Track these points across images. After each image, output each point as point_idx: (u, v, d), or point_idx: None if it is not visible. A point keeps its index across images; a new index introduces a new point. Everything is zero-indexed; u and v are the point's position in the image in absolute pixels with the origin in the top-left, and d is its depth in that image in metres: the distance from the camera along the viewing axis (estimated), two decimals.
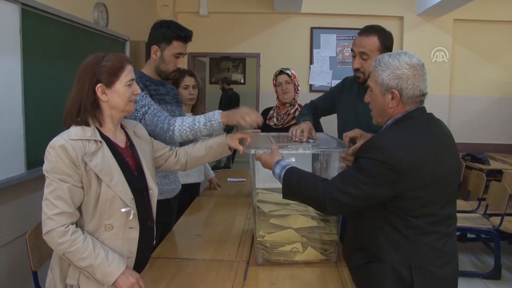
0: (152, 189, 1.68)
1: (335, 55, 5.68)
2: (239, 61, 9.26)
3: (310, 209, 1.76)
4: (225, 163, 7.39)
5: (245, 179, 3.48)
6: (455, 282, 1.51)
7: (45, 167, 1.46)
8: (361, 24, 2.13)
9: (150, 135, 1.84)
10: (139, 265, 1.66)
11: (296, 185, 1.52)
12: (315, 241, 1.83)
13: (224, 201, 2.84)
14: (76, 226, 1.48)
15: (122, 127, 1.69)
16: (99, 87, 1.51)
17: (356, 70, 2.01)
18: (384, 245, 1.45)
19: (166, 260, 1.84)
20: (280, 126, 3.05)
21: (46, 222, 1.43)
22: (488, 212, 4.04)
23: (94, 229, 1.52)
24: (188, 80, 2.94)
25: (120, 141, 1.64)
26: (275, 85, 3.11)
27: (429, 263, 1.43)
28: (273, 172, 1.63)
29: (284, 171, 1.58)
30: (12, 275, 2.50)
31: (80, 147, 1.46)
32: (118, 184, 1.52)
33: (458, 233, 3.90)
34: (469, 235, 4.44)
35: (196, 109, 3.07)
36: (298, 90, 3.09)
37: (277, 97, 3.12)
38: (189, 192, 2.89)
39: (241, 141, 1.88)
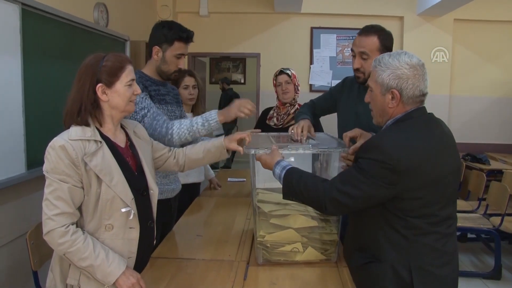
0: (152, 189, 1.68)
1: (335, 55, 5.67)
2: (239, 61, 9.26)
3: (310, 209, 1.76)
4: (225, 163, 7.40)
5: (245, 179, 3.49)
6: (455, 282, 1.51)
7: (45, 167, 1.46)
8: (361, 24, 2.13)
9: None
10: (140, 265, 1.66)
11: (296, 186, 1.52)
12: (315, 241, 1.83)
13: (224, 201, 2.84)
14: (77, 226, 1.48)
15: (122, 127, 1.69)
16: (99, 87, 1.51)
17: (356, 70, 2.01)
18: (384, 245, 1.45)
19: (166, 260, 1.84)
20: (280, 126, 3.05)
21: (47, 222, 1.43)
22: (488, 212, 4.05)
23: (94, 229, 1.52)
24: (188, 80, 2.95)
25: (120, 141, 1.64)
26: (275, 85, 3.11)
27: (429, 263, 1.43)
28: (273, 173, 1.63)
29: (284, 171, 1.58)
30: (12, 275, 2.50)
31: (80, 147, 1.46)
32: (118, 184, 1.52)
33: (458, 233, 3.90)
34: (469, 235, 4.44)
35: (196, 109, 3.07)
36: (298, 90, 3.09)
37: (277, 97, 3.13)
38: (189, 192, 2.89)
39: (240, 142, 1.88)
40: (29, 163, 2.51)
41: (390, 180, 1.37)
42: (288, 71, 3.06)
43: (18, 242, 2.47)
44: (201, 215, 2.59)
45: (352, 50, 2.02)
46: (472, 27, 5.60)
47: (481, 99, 5.72)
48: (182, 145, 2.00)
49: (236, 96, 8.01)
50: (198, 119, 1.97)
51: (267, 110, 3.25)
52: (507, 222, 3.66)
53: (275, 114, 3.14)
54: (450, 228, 1.47)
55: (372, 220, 1.49)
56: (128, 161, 1.62)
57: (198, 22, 5.59)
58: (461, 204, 4.31)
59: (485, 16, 5.47)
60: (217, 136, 2.60)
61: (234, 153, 4.23)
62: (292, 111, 3.05)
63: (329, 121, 2.62)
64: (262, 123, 3.17)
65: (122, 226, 1.55)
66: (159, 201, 1.77)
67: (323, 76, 5.68)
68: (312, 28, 5.68)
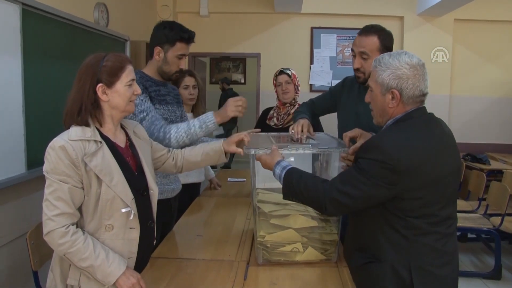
0: (152, 189, 1.68)
1: (335, 55, 5.68)
2: (239, 61, 9.26)
3: (310, 209, 1.76)
4: (226, 163, 7.39)
5: (245, 179, 3.48)
6: (455, 282, 1.51)
7: (45, 167, 1.46)
8: (362, 24, 2.13)
9: None
10: (140, 265, 1.66)
11: (296, 186, 1.52)
12: (315, 241, 1.82)
13: (224, 201, 2.84)
14: (77, 227, 1.48)
15: (122, 127, 1.69)
16: (99, 87, 1.51)
17: (356, 70, 2.01)
18: (383, 245, 1.45)
19: (167, 260, 1.84)
20: (280, 126, 3.05)
21: (47, 223, 1.43)
22: (488, 212, 4.04)
23: (94, 230, 1.52)
24: (188, 80, 2.95)
25: (120, 141, 1.64)
26: (275, 85, 3.11)
27: (429, 263, 1.42)
28: (274, 173, 1.63)
29: (284, 171, 1.58)
30: (12, 275, 2.50)
31: (80, 148, 1.46)
32: (118, 185, 1.52)
33: (458, 233, 3.90)
34: (469, 235, 4.44)
35: (196, 109, 3.07)
36: (298, 90, 3.09)
37: (277, 97, 3.13)
38: (189, 192, 2.89)
39: (240, 143, 1.88)
40: (29, 163, 2.51)
41: (390, 180, 1.37)
42: (288, 71, 3.06)
43: (18, 242, 2.47)
44: (201, 215, 2.59)
45: (352, 50, 2.02)
46: (472, 27, 5.61)
47: (481, 99, 5.72)
48: (181, 147, 2.01)
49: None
50: (196, 122, 1.99)
51: (267, 110, 3.25)
52: (507, 222, 3.66)
53: (275, 114, 3.14)
54: (450, 228, 1.47)
55: (372, 220, 1.49)
56: (128, 161, 1.62)
57: (198, 22, 5.59)
58: (461, 204, 4.31)
59: (485, 16, 5.47)
60: (217, 136, 2.61)
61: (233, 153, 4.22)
62: (292, 111, 3.04)
63: (329, 121, 2.62)
64: (262, 123, 3.17)
65: (122, 226, 1.55)
66: (159, 201, 1.77)
67: (323, 76, 5.69)
68: (312, 28, 5.68)
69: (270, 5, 5.48)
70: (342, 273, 1.73)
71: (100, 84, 1.51)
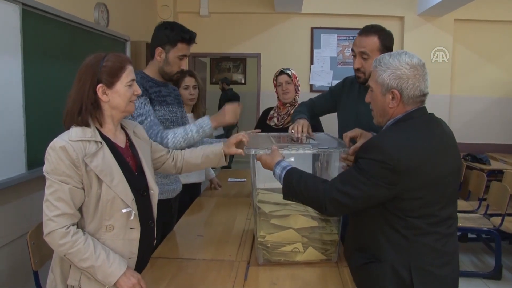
0: (152, 189, 1.68)
1: (335, 55, 5.68)
2: (239, 61, 9.26)
3: (311, 209, 1.76)
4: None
5: (245, 179, 3.48)
6: (456, 282, 1.51)
7: (46, 168, 1.46)
8: (362, 24, 2.13)
9: None
10: (140, 265, 1.66)
11: (296, 186, 1.52)
12: (315, 241, 1.83)
13: (224, 201, 2.84)
14: (77, 227, 1.48)
15: (122, 127, 1.68)
16: (99, 88, 1.51)
17: (357, 70, 2.01)
18: (383, 246, 1.45)
19: (167, 260, 1.84)
20: (281, 126, 3.05)
21: (47, 223, 1.43)
22: (488, 212, 4.04)
23: (95, 230, 1.52)
24: (189, 81, 2.95)
25: (120, 141, 1.64)
26: (275, 85, 3.11)
27: (429, 263, 1.42)
28: (274, 173, 1.63)
29: (284, 171, 1.58)
30: (13, 275, 2.50)
31: (80, 148, 1.46)
32: (118, 185, 1.52)
33: (458, 233, 3.89)
34: (469, 235, 4.44)
35: (196, 109, 3.07)
36: (298, 90, 3.09)
37: (278, 97, 3.13)
38: (190, 192, 2.89)
39: (239, 144, 1.88)
40: (29, 163, 2.51)
41: (390, 180, 1.37)
42: (288, 71, 3.06)
43: (19, 242, 2.47)
44: (202, 215, 2.59)
45: (352, 50, 2.02)
46: (472, 27, 5.60)
47: (482, 99, 5.72)
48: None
49: (236, 96, 8.01)
50: (193, 127, 2.03)
51: (268, 110, 3.25)
52: (508, 222, 3.66)
53: (275, 114, 3.14)
54: (451, 228, 1.47)
55: (372, 220, 1.49)
56: (128, 162, 1.62)
57: (198, 22, 5.59)
58: (461, 204, 4.31)
59: (486, 16, 5.47)
60: (217, 136, 2.61)
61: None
62: (293, 111, 3.04)
63: (329, 121, 2.62)
64: (263, 123, 3.17)
65: (122, 226, 1.55)
66: (159, 201, 1.77)
67: (323, 76, 5.69)
68: (312, 28, 5.68)
69: (270, 5, 5.48)
70: (342, 273, 1.73)
71: (100, 85, 1.51)
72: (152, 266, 1.77)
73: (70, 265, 1.50)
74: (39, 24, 2.63)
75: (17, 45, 2.42)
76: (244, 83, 9.28)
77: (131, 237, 1.58)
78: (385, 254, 1.45)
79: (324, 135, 2.24)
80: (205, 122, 2.04)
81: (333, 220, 1.85)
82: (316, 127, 2.66)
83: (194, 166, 1.96)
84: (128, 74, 1.56)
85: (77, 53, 3.01)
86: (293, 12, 5.59)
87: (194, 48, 2.22)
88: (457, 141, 1.52)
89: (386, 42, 1.97)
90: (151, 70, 2.18)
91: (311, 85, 5.68)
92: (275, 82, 3.11)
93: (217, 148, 1.90)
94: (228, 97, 7.96)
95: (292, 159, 1.79)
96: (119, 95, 1.54)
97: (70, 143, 1.45)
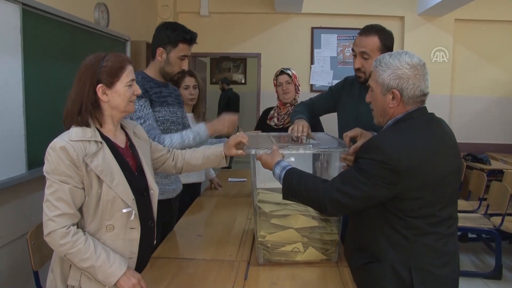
0: (152, 189, 1.68)
1: (336, 55, 5.68)
2: (240, 61, 9.25)
3: (311, 209, 1.76)
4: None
5: (245, 179, 3.48)
6: (456, 282, 1.51)
7: (46, 168, 1.46)
8: (362, 24, 2.13)
9: None
10: (140, 265, 1.66)
11: (296, 186, 1.52)
12: (316, 241, 1.82)
13: (225, 201, 2.84)
14: (77, 227, 1.48)
15: (122, 127, 1.68)
16: (99, 88, 1.51)
17: (357, 70, 2.01)
18: (384, 246, 1.45)
19: (167, 260, 1.84)
20: (281, 126, 3.05)
21: (47, 223, 1.43)
22: (489, 212, 4.04)
23: (95, 230, 1.52)
24: (189, 80, 2.95)
25: (120, 141, 1.64)
26: (275, 85, 3.11)
27: (429, 263, 1.42)
28: (273, 173, 1.63)
29: (284, 171, 1.58)
30: (13, 275, 2.50)
31: (81, 148, 1.46)
32: (119, 185, 1.52)
33: (459, 233, 3.90)
34: (470, 235, 4.44)
35: (197, 109, 3.07)
36: (298, 90, 3.09)
37: (278, 97, 3.13)
38: (190, 192, 2.89)
39: (239, 144, 1.89)
40: (29, 163, 2.51)
41: (390, 180, 1.37)
42: (288, 71, 3.06)
43: (19, 242, 2.47)
44: (202, 215, 2.59)
45: (353, 50, 2.02)
46: (472, 27, 5.60)
47: (482, 99, 5.72)
48: None
49: (236, 96, 8.00)
50: (189, 134, 2.07)
51: (268, 110, 3.25)
52: (508, 222, 3.66)
53: (275, 114, 3.14)
54: (451, 228, 1.47)
55: (372, 220, 1.49)
56: (128, 162, 1.62)
57: (198, 22, 5.59)
58: (461, 204, 4.31)
59: (486, 16, 5.47)
60: (217, 136, 2.61)
61: None
62: (291, 110, 3.04)
63: (329, 121, 2.61)
64: (263, 123, 3.17)
65: (123, 226, 1.55)
66: (160, 201, 1.77)
67: (323, 76, 5.68)
68: (312, 28, 5.68)
69: (270, 5, 5.48)
70: (342, 273, 1.73)
71: (100, 85, 1.51)
72: (152, 266, 1.77)
73: (70, 265, 1.50)
74: (39, 24, 2.63)
75: (17, 45, 2.42)
76: (244, 83, 9.27)
77: (131, 237, 1.58)
78: (385, 254, 1.45)
79: (324, 135, 2.24)
80: (202, 129, 2.09)
81: (333, 220, 1.84)
82: (316, 127, 2.65)
83: (194, 166, 1.96)
84: (128, 74, 1.56)
85: (77, 53, 3.01)
86: (293, 12, 5.59)
87: (194, 48, 2.22)
88: (457, 141, 1.52)
89: (387, 42, 1.97)
90: (152, 70, 2.18)
91: (311, 85, 5.68)
92: (275, 82, 3.11)
93: (217, 150, 1.91)
94: (228, 97, 7.95)
95: (292, 159, 1.79)
96: (119, 95, 1.54)
97: (70, 143, 1.45)
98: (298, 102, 3.06)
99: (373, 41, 1.94)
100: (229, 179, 3.49)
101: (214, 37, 5.67)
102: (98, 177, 1.48)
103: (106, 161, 1.50)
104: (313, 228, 1.82)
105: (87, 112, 1.52)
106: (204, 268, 1.77)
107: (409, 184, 1.38)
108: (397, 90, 1.45)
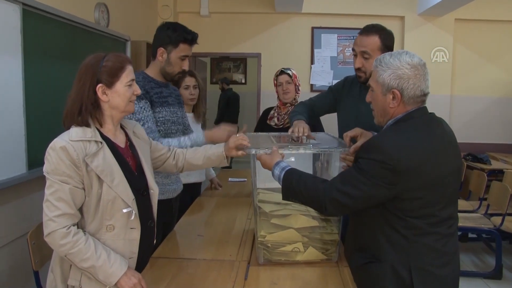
0: (152, 188, 1.68)
1: (336, 55, 5.67)
2: (240, 61, 9.25)
3: (311, 209, 1.76)
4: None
5: (246, 179, 3.48)
6: (456, 282, 1.51)
7: (46, 168, 1.46)
8: (362, 24, 2.13)
9: None
10: (140, 265, 1.66)
11: (296, 186, 1.52)
12: (316, 241, 1.82)
13: (225, 201, 2.84)
14: (77, 228, 1.48)
15: (122, 127, 1.69)
16: (99, 88, 1.51)
17: (358, 69, 2.01)
18: (383, 246, 1.45)
19: (167, 260, 1.84)
20: (281, 126, 3.05)
21: (48, 223, 1.43)
22: (489, 212, 4.04)
23: (95, 230, 1.52)
24: (189, 80, 2.95)
25: (120, 141, 1.64)
26: (276, 85, 3.11)
27: (429, 263, 1.42)
28: (272, 174, 1.63)
29: (283, 172, 1.58)
30: (13, 275, 2.50)
31: (81, 148, 1.46)
32: (119, 185, 1.51)
33: (459, 233, 3.90)
34: (470, 235, 4.44)
35: (197, 109, 3.08)
36: (299, 90, 3.09)
37: (278, 97, 3.12)
38: (190, 192, 2.89)
39: (239, 146, 1.88)
40: (30, 163, 2.51)
41: (390, 180, 1.37)
42: (288, 71, 3.06)
43: (19, 242, 2.47)
44: (202, 215, 2.59)
45: (353, 49, 2.02)
46: (473, 27, 5.60)
47: (482, 99, 5.72)
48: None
49: (235, 96, 8.00)
50: (187, 141, 2.11)
51: (268, 110, 3.25)
52: (508, 222, 3.66)
53: (275, 114, 3.14)
54: (451, 228, 1.47)
55: (372, 220, 1.48)
56: (128, 161, 1.62)
57: (198, 22, 5.59)
58: (462, 204, 4.31)
59: (486, 16, 5.47)
60: None
61: None
62: (291, 110, 3.04)
63: (329, 121, 2.61)
64: (263, 123, 3.17)
65: (123, 226, 1.55)
66: (160, 201, 1.77)
67: (324, 76, 5.68)
68: (313, 28, 5.68)
69: (270, 5, 5.48)
70: (343, 273, 1.73)
71: (100, 85, 1.51)
72: (152, 266, 1.77)
73: (71, 265, 1.50)
74: (39, 24, 2.63)
75: (17, 45, 2.42)
76: (245, 83, 9.27)
77: (132, 237, 1.58)
78: (385, 254, 1.45)
79: (324, 135, 2.24)
80: (200, 138, 2.14)
81: (334, 220, 1.84)
82: (316, 127, 2.65)
83: (195, 166, 1.97)
84: (128, 74, 1.56)
85: (77, 53, 3.01)
86: (294, 12, 5.59)
87: (195, 48, 2.23)
88: (458, 141, 1.52)
89: (387, 41, 1.97)
90: (152, 71, 2.18)
91: (311, 85, 5.68)
92: (275, 82, 3.11)
93: (218, 150, 1.91)
94: (227, 97, 7.95)
95: (292, 159, 1.79)
96: (119, 95, 1.54)
97: (71, 143, 1.45)
98: (298, 102, 3.07)
99: (374, 40, 1.94)
100: (229, 179, 3.49)
101: (214, 37, 5.67)
102: (99, 177, 1.48)
103: (106, 161, 1.50)
104: (313, 228, 1.82)
105: (87, 112, 1.52)
106: (204, 268, 1.77)
107: (409, 184, 1.37)
108: (398, 90, 1.45)
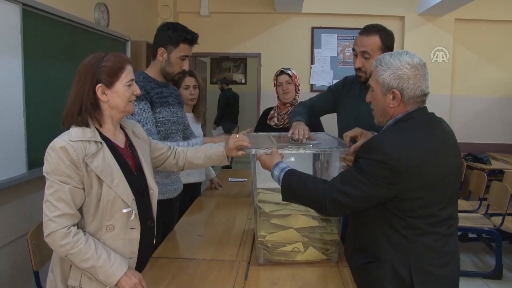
0: (152, 188, 1.68)
1: (336, 55, 5.67)
2: (240, 61, 9.25)
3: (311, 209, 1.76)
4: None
5: (246, 179, 3.48)
6: (456, 282, 1.51)
7: (46, 168, 1.46)
8: (362, 24, 2.12)
9: None
10: (140, 265, 1.66)
11: (296, 187, 1.52)
12: (316, 241, 1.82)
13: (225, 201, 2.84)
14: (77, 228, 1.48)
15: (121, 127, 1.68)
16: (99, 88, 1.51)
17: (358, 69, 2.01)
18: (383, 246, 1.45)
19: (167, 260, 1.84)
20: (281, 126, 3.05)
21: (48, 224, 1.43)
22: (489, 212, 4.04)
23: (95, 230, 1.51)
24: (189, 80, 2.95)
25: (120, 141, 1.63)
26: (275, 85, 3.11)
27: (429, 263, 1.42)
28: (272, 174, 1.63)
29: (283, 173, 1.58)
30: (13, 275, 2.50)
31: (81, 148, 1.46)
32: (119, 185, 1.51)
33: (459, 233, 3.90)
34: (470, 235, 4.44)
35: (197, 109, 3.08)
36: (298, 90, 3.09)
37: (278, 97, 3.12)
38: (190, 192, 2.89)
39: (239, 146, 1.89)
40: (30, 163, 2.51)
41: (390, 180, 1.37)
42: (288, 71, 3.06)
43: (19, 242, 2.47)
44: (202, 215, 2.59)
45: (353, 49, 2.02)
46: (473, 27, 5.60)
47: (482, 99, 5.72)
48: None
49: (235, 96, 8.00)
50: (186, 146, 2.09)
51: (268, 110, 3.25)
52: (508, 222, 3.66)
53: (275, 114, 3.14)
54: (451, 228, 1.47)
55: (372, 220, 1.48)
56: (128, 162, 1.62)
57: (198, 22, 5.59)
58: (462, 204, 4.31)
59: (486, 16, 5.47)
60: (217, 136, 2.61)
61: None
62: (290, 111, 3.04)
63: (329, 121, 2.61)
64: (263, 123, 3.17)
65: (123, 226, 1.55)
66: (161, 201, 1.77)
67: (324, 76, 5.68)
68: (313, 28, 5.68)
69: (270, 5, 5.48)
70: (343, 273, 1.73)
71: (99, 85, 1.51)
72: (152, 266, 1.77)
73: (71, 265, 1.50)
74: (39, 24, 2.63)
75: (17, 45, 2.41)
76: (245, 83, 9.27)
77: (132, 237, 1.58)
78: (385, 254, 1.45)
79: (324, 135, 2.24)
80: (199, 143, 2.15)
81: (334, 220, 1.84)
82: (316, 127, 2.65)
83: (196, 165, 1.98)
84: (128, 74, 1.56)
85: (77, 53, 3.01)
86: (294, 12, 5.59)
87: (195, 48, 2.23)
88: (458, 141, 1.52)
89: (387, 41, 1.97)
90: (152, 71, 2.18)
91: (311, 85, 5.68)
92: (275, 82, 3.11)
93: (219, 150, 1.91)
94: (227, 97, 7.96)
95: (292, 159, 1.79)
96: (119, 95, 1.54)
97: (70, 143, 1.45)
98: (298, 102, 3.07)
99: (374, 40, 1.94)
100: (229, 179, 3.49)
101: (214, 37, 5.67)
102: (98, 178, 1.48)
103: (106, 161, 1.50)
104: (313, 228, 1.82)
105: (87, 112, 1.51)
106: (204, 268, 1.77)
107: (409, 184, 1.37)
108: (398, 90, 1.45)
